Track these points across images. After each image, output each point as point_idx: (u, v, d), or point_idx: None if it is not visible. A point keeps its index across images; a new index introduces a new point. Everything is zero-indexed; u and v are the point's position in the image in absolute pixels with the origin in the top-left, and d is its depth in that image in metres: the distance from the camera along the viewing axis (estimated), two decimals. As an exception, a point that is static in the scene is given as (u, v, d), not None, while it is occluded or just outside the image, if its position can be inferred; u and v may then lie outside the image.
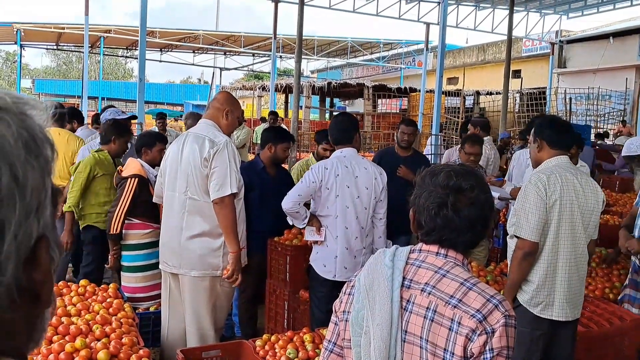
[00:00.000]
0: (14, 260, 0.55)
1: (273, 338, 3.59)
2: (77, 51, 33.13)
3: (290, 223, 4.13)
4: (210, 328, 3.80)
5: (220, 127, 3.83)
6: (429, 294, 1.63)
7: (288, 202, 3.94)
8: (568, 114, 17.43)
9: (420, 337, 1.62)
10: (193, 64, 34.70)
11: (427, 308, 1.62)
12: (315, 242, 4.05)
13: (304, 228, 4.08)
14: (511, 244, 3.30)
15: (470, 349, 1.55)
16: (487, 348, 1.55)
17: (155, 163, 4.73)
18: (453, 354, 1.57)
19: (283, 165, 5.51)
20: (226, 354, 3.46)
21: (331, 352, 1.81)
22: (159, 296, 4.63)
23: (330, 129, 4.21)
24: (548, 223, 3.15)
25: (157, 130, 8.45)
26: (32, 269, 0.58)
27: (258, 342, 3.53)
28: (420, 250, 1.74)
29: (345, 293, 1.81)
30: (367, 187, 4.00)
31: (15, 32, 26.08)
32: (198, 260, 3.71)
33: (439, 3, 17.33)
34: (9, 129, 0.56)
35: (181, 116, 24.93)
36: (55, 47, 31.43)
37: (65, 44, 30.84)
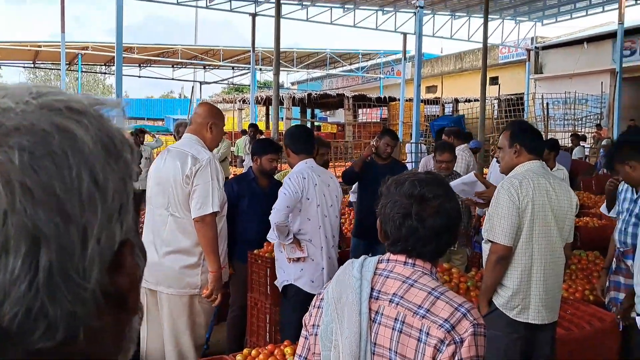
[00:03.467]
0: (97, 266, 0.55)
1: (254, 352, 3.54)
2: (55, 69, 32.92)
3: (272, 240, 4.02)
4: (190, 346, 3.73)
5: (205, 142, 3.75)
6: (397, 304, 1.61)
7: (279, 216, 3.86)
8: (546, 119, 17.62)
9: (389, 349, 1.59)
10: (173, 79, 34.67)
11: (396, 319, 1.60)
12: (297, 260, 3.99)
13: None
14: (485, 248, 3.31)
15: (440, 359, 1.53)
16: (456, 358, 1.52)
17: None
18: None
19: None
20: (206, 370, 3.43)
21: None
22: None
23: (293, 139, 4.14)
24: (521, 227, 3.17)
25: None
26: (117, 275, 0.58)
27: (238, 357, 3.49)
28: (389, 260, 1.71)
29: (314, 306, 1.78)
30: (337, 196, 4.10)
31: (-10, 52, 25.85)
32: (176, 278, 3.65)
33: (414, 13, 17.49)
34: (87, 132, 0.55)
35: (166, 131, 24.82)
36: (32, 65, 31.19)
37: (43, 62, 30.64)
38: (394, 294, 1.63)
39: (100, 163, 0.55)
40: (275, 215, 3.86)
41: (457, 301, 1.60)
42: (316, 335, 1.72)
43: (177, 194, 3.59)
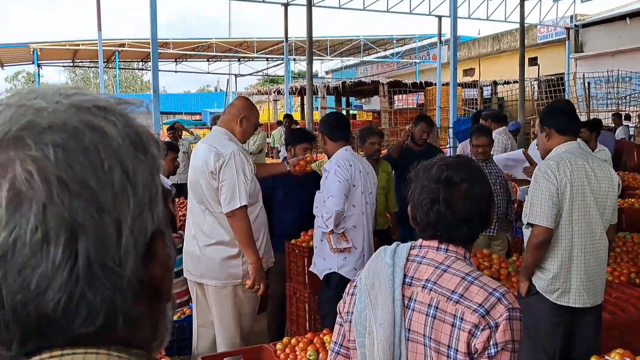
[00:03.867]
0: (132, 255, 0.58)
1: (293, 341, 3.58)
2: (93, 67, 33.59)
3: (323, 229, 3.92)
4: (237, 335, 3.80)
5: (234, 135, 3.77)
6: (430, 290, 1.60)
7: (339, 203, 3.79)
8: (587, 99, 17.17)
9: (424, 335, 1.59)
10: (208, 72, 34.98)
11: (429, 305, 1.59)
12: (342, 251, 3.96)
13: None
14: (527, 233, 3.26)
15: (474, 344, 1.51)
16: (491, 343, 1.50)
17: (168, 172, 4.75)
18: (457, 350, 1.53)
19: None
20: (247, 358, 3.47)
21: (337, 354, 1.78)
22: (181, 304, 4.65)
23: (330, 126, 4.11)
24: (560, 210, 3.11)
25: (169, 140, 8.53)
26: (150, 264, 0.61)
27: (278, 346, 3.54)
28: (421, 246, 1.70)
29: (348, 293, 1.78)
30: (374, 184, 4.11)
31: (32, 52, 26.51)
32: (219, 269, 3.70)
33: (449, -5, 17.18)
34: (115, 128, 0.59)
35: (203, 125, 25.09)
36: (71, 64, 31.91)
37: (81, 61, 31.28)
38: (427, 279, 1.62)
39: (129, 157, 0.59)
40: (335, 203, 3.81)
41: (491, 285, 1.58)
42: (350, 322, 1.72)
43: (207, 190, 3.63)
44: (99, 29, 18.73)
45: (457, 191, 1.64)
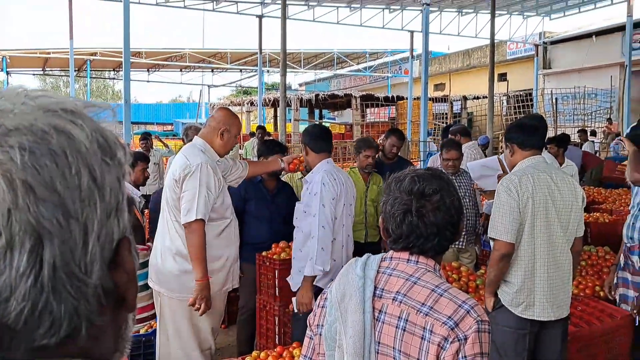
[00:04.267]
0: (99, 262, 0.56)
1: (262, 355, 3.55)
2: (64, 75, 33.14)
3: (318, 272, 3.77)
4: (195, 349, 3.71)
5: (214, 147, 3.72)
6: (401, 302, 1.60)
7: (330, 235, 3.73)
8: (555, 115, 17.53)
9: (393, 348, 1.58)
10: (181, 83, 34.81)
11: (399, 317, 1.59)
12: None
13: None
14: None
15: (444, 357, 1.52)
16: (460, 355, 1.51)
17: (138, 183, 4.70)
18: None
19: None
20: (215, 373, 3.43)
21: None
22: (148, 318, 4.59)
23: (314, 137, 4.07)
24: (523, 224, 3.15)
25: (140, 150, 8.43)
26: (116, 272, 0.59)
27: (247, 359, 3.50)
28: (391, 258, 1.70)
29: (318, 306, 1.77)
30: (353, 196, 4.07)
31: (0, 60, 26.05)
32: (176, 282, 3.62)
33: (421, 11, 17.44)
34: (83, 132, 0.57)
35: (174, 135, 24.90)
36: (42, 72, 31.43)
37: (52, 69, 30.85)
38: (397, 291, 1.62)
39: (97, 161, 0.57)
40: (328, 233, 3.73)
41: (460, 298, 1.59)
42: (320, 335, 1.71)
43: (172, 199, 3.59)
44: (71, 37, 18.52)
45: (429, 202, 1.65)
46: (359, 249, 4.70)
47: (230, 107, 29.84)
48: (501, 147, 12.94)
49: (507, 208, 3.12)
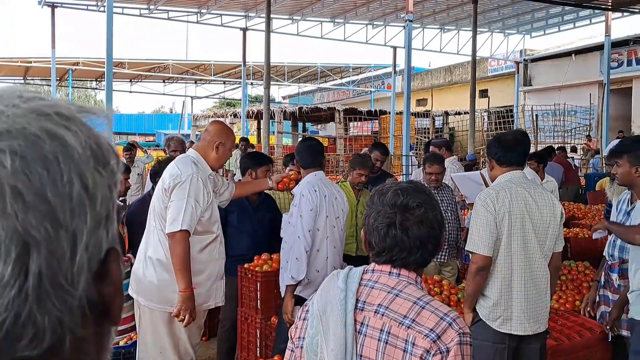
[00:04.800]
0: (85, 273, 0.55)
1: (243, 367, 3.53)
2: (46, 85, 32.86)
3: (290, 282, 3.83)
4: (175, 359, 3.69)
5: (208, 161, 3.71)
6: (383, 315, 1.60)
7: (306, 244, 3.77)
8: (535, 131, 17.75)
9: None
10: (164, 94, 34.67)
11: (381, 330, 1.59)
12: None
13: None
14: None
15: None
16: None
17: (119, 194, 4.66)
18: None
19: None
20: (196, 386, 3.39)
21: None
22: (128, 330, 4.53)
23: (301, 153, 4.14)
24: (499, 238, 3.17)
25: (124, 161, 8.36)
26: (102, 283, 0.57)
27: (228, 372, 3.48)
28: (373, 270, 1.70)
29: (300, 318, 1.77)
30: (342, 210, 4.08)
31: (-20, 68, 25.78)
32: (156, 292, 3.59)
33: (404, 27, 17.61)
34: (76, 138, 0.55)
35: (157, 146, 24.76)
36: (22, 81, 31.12)
37: (33, 78, 30.58)
38: (379, 304, 1.62)
39: (89, 169, 0.55)
40: (303, 243, 3.78)
41: (442, 310, 1.59)
42: (302, 348, 1.70)
43: (159, 207, 3.57)
44: (53, 47, 18.40)
45: (413, 216, 1.66)
46: (350, 262, 4.70)
47: (213, 119, 29.72)
48: (482, 161, 13.06)
49: (484, 222, 3.14)
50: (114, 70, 13.52)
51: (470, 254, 3.28)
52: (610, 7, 16.46)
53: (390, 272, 1.68)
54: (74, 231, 0.53)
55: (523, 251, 3.18)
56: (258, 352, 4.49)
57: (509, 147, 3.32)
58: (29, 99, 0.56)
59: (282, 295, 3.99)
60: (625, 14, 17.57)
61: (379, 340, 1.58)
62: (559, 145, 16.02)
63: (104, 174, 0.57)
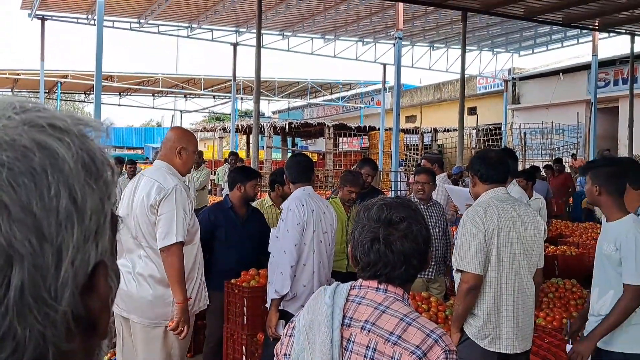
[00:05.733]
0: (70, 287, 0.54)
1: (229, 384, 3.48)
2: (34, 97, 32.72)
3: (274, 296, 3.84)
4: None
5: (176, 167, 3.68)
6: (369, 331, 1.58)
7: (291, 259, 3.77)
8: (523, 149, 17.88)
9: None
10: (153, 107, 34.62)
11: (367, 347, 1.57)
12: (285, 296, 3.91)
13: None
14: (457, 277, 3.29)
15: None
16: None
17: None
18: None
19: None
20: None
21: None
22: (111, 346, 4.47)
23: (290, 168, 4.16)
24: (489, 255, 3.15)
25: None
26: (89, 297, 0.56)
27: (213, 389, 3.43)
28: (361, 286, 1.69)
29: (286, 335, 1.75)
30: (330, 225, 4.08)
31: (-32, 79, 25.64)
32: (149, 308, 3.56)
33: (393, 44, 17.75)
34: (68, 150, 0.55)
35: (146, 159, 24.67)
36: (10, 93, 30.98)
37: (21, 90, 30.45)
38: (365, 320, 1.60)
39: (79, 182, 0.55)
40: (289, 259, 3.77)
41: (429, 327, 1.58)
42: None
43: (144, 224, 3.53)
44: (42, 59, 18.35)
45: (397, 230, 1.65)
46: (340, 279, 4.67)
47: (202, 133, 29.68)
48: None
49: (474, 240, 3.12)
50: (103, 84, 13.49)
51: (457, 273, 3.25)
52: (597, 28, 16.69)
53: (377, 288, 1.67)
54: (59, 245, 0.53)
55: (512, 268, 3.17)
56: (244, 368, 4.44)
57: (492, 164, 3.32)
58: (26, 110, 0.56)
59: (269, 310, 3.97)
60: (611, 34, 17.83)
61: (364, 356, 1.57)
62: (546, 163, 16.14)
63: (95, 188, 0.57)
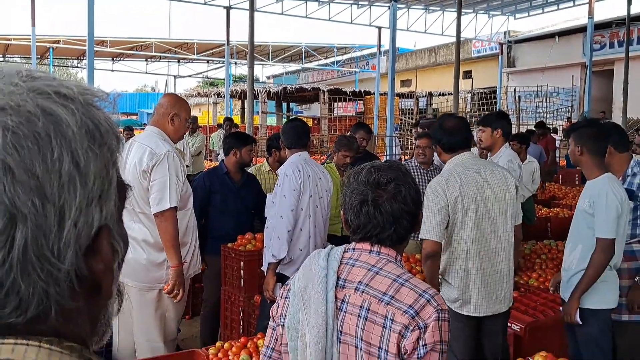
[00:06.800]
0: (73, 248, 0.56)
1: (226, 345, 3.55)
2: (25, 63, 32.36)
3: (272, 260, 3.89)
4: (159, 339, 3.71)
5: (167, 134, 3.69)
6: (363, 292, 1.62)
7: (288, 224, 3.81)
8: (518, 112, 17.87)
9: (355, 337, 1.60)
10: (146, 72, 34.32)
11: (361, 307, 1.61)
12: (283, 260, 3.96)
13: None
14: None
15: (404, 345, 1.54)
16: (420, 344, 1.54)
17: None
18: (387, 351, 1.55)
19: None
20: (179, 365, 3.42)
21: (269, 358, 1.78)
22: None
23: (286, 133, 4.16)
24: (454, 223, 3.18)
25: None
26: (93, 259, 0.58)
27: (211, 350, 3.50)
28: (354, 249, 1.72)
29: (281, 297, 1.78)
30: (326, 190, 4.12)
31: (-42, 45, 25.30)
32: (142, 272, 3.61)
33: (389, 7, 17.55)
34: (73, 117, 0.56)
35: (139, 125, 24.53)
36: (1, 59, 30.61)
37: (12, 56, 30.08)
38: (359, 282, 1.64)
39: (82, 147, 0.56)
40: (285, 223, 3.82)
41: (421, 287, 1.61)
42: (283, 325, 1.72)
43: (137, 189, 3.53)
44: (33, 24, 18.08)
45: (385, 192, 1.68)
46: (336, 243, 4.72)
47: (196, 98, 29.43)
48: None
49: (435, 208, 3.13)
50: (95, 49, 13.34)
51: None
52: (593, -11, 16.52)
53: (370, 250, 1.70)
54: (62, 207, 0.55)
55: (478, 235, 3.18)
56: (241, 329, 4.53)
57: (452, 132, 3.31)
58: (33, 78, 0.58)
59: (265, 273, 4.03)
60: (608, -4, 17.64)
61: (358, 316, 1.60)
62: (528, 128, 16.18)
63: (98, 154, 0.58)
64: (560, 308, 3.59)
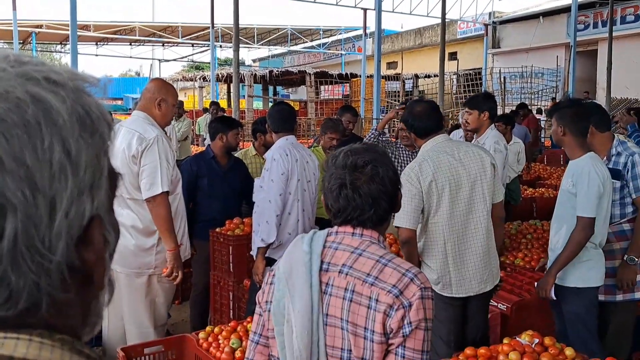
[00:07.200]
0: (64, 239, 0.54)
1: (216, 329, 3.57)
2: (8, 48, 31.88)
3: (260, 244, 3.91)
4: (149, 325, 3.73)
5: (155, 119, 3.67)
6: (347, 274, 1.64)
7: (276, 208, 3.82)
8: (503, 93, 17.94)
9: (341, 319, 1.62)
10: (130, 57, 33.97)
11: (346, 289, 1.63)
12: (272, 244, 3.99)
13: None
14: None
15: (389, 324, 1.56)
16: (405, 322, 1.56)
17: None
18: (373, 331, 1.58)
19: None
20: (169, 349, 3.44)
21: (257, 344, 1.80)
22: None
23: (272, 117, 4.15)
24: (431, 208, 3.20)
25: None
26: (84, 249, 0.57)
27: (201, 335, 3.52)
28: (337, 232, 1.74)
29: (267, 283, 1.80)
30: (314, 174, 4.13)
31: (-63, 30, 24.84)
32: (132, 257, 3.62)
33: (374, -12, 17.45)
34: (63, 104, 0.54)
35: (123, 110, 24.35)
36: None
37: (-6, 41, 29.60)
38: (343, 264, 1.66)
39: (74, 136, 0.55)
40: (273, 208, 3.82)
41: (404, 267, 1.64)
42: (269, 311, 1.73)
43: (126, 174, 3.53)
44: (14, 8, 17.80)
45: (362, 174, 1.70)
46: (324, 226, 4.74)
47: (182, 82, 29.17)
48: (450, 124, 13.20)
49: (409, 196, 3.14)
50: (78, 33, 13.18)
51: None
52: (578, -31, 16.53)
53: (353, 233, 1.72)
54: (53, 197, 0.53)
55: (453, 217, 3.20)
56: (231, 314, 4.56)
57: (423, 118, 3.31)
58: (22, 63, 0.56)
59: (255, 258, 4.06)
60: (592, -24, 17.68)
61: (343, 298, 1.62)
62: (520, 103, 16.28)
63: (90, 142, 0.57)
64: (535, 284, 3.63)
